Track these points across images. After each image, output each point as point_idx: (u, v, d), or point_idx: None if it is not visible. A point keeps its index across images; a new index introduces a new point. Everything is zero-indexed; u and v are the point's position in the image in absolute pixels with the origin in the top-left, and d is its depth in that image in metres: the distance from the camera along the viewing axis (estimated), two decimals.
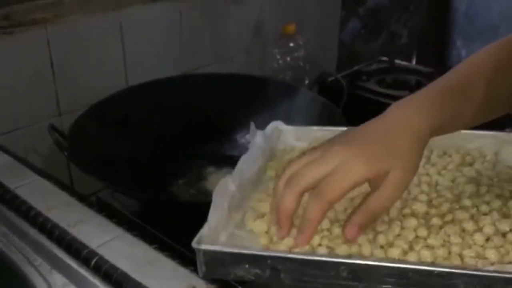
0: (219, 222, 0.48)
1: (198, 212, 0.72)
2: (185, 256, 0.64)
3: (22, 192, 0.69)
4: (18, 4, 0.80)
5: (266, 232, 0.50)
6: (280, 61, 1.18)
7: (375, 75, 1.23)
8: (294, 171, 0.47)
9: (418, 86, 1.15)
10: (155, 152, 0.86)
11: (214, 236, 0.47)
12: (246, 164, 0.55)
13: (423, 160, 0.56)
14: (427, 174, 0.56)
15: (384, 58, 1.34)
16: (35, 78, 0.87)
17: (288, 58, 1.18)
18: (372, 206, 0.45)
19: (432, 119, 0.49)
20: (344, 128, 0.62)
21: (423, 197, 0.52)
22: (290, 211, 0.46)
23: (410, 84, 1.16)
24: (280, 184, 0.47)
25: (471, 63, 0.57)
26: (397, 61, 1.32)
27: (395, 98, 1.15)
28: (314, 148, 0.49)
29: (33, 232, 0.63)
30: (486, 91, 0.52)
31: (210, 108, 0.92)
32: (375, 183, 0.46)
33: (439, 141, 0.59)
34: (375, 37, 1.78)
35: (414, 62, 2.03)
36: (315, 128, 0.65)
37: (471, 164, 0.57)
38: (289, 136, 0.64)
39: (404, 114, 0.49)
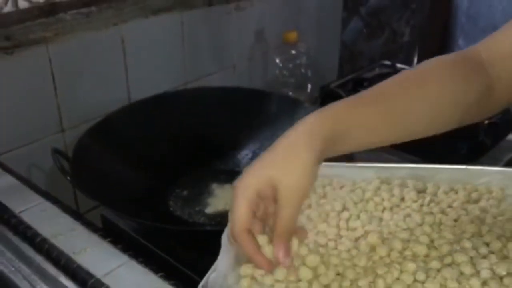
0: (226, 265, 0.48)
1: (202, 235, 0.73)
2: (191, 280, 0.64)
3: (26, 217, 0.69)
4: (19, 24, 0.79)
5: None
6: (283, 69, 1.17)
7: (377, 81, 1.22)
8: None
9: None
10: (158, 170, 0.86)
11: (221, 278, 0.47)
12: None
13: (428, 198, 0.56)
14: (431, 213, 0.55)
15: (387, 62, 1.33)
16: (37, 96, 0.87)
17: (290, 65, 1.18)
18: (279, 227, 0.45)
19: (330, 124, 0.48)
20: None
21: (424, 239, 0.51)
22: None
23: None
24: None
25: (404, 73, 0.56)
26: (399, 65, 1.31)
27: None
28: None
29: (39, 259, 0.64)
30: (402, 104, 0.52)
31: (212, 124, 0.92)
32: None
33: (446, 177, 0.59)
34: (377, 36, 1.77)
35: (415, 60, 2.02)
36: None
37: (476, 201, 0.56)
38: None
39: (306, 119, 0.48)
